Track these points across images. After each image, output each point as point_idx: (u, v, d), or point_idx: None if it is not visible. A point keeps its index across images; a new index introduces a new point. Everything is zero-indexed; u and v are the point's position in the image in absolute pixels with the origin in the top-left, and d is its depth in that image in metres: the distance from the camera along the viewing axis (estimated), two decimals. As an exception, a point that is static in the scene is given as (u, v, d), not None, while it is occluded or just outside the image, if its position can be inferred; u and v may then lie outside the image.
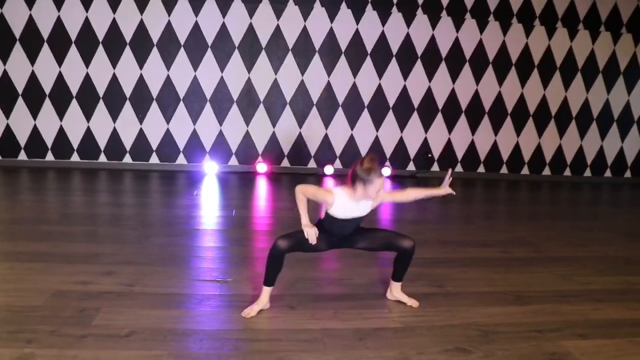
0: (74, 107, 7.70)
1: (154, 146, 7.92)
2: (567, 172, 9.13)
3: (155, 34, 7.63)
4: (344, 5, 7.92)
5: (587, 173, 9.22)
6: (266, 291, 3.16)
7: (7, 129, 7.69)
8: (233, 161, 8.09)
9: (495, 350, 2.85)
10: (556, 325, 3.21)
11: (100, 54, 7.60)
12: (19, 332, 2.74)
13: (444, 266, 4.19)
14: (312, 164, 8.24)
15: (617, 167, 9.33)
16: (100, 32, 7.55)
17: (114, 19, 7.53)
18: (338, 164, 8.28)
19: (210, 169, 7.91)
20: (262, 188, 7.13)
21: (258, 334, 2.87)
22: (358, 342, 2.83)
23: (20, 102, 7.63)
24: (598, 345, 3.02)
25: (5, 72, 7.53)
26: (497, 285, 3.85)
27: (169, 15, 7.60)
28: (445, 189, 3.29)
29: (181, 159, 7.98)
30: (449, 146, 8.58)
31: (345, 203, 3.12)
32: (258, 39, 7.80)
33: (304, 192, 3.22)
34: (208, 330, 2.87)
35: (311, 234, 3.13)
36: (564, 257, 4.64)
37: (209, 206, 5.96)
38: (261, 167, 8.02)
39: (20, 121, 7.70)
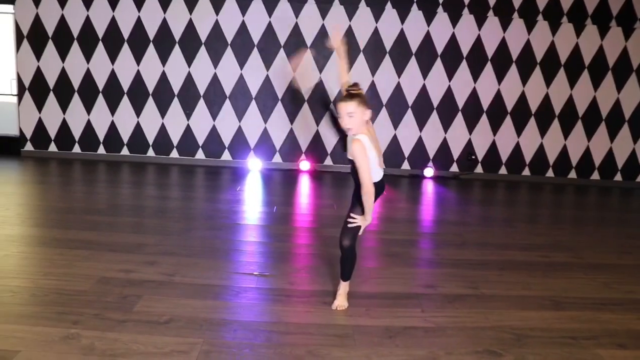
0: (125, 104, 7.96)
1: (200, 142, 8.11)
2: (618, 177, 8.89)
3: (203, 33, 7.81)
4: (413, 6, 7.93)
5: (618, 177, 8.94)
6: (345, 286, 3.31)
7: (64, 123, 8.02)
8: (277, 158, 8.20)
9: (527, 355, 2.84)
10: (593, 333, 3.17)
11: (151, 51, 7.83)
12: (66, 314, 2.90)
13: (481, 268, 4.18)
14: (355, 164, 8.27)
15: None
16: (151, 31, 7.78)
17: (164, 19, 7.75)
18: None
19: (254, 165, 8.04)
20: (304, 185, 7.21)
21: (290, 327, 2.94)
22: (388, 339, 2.87)
23: (76, 97, 7.94)
24: (638, 356, 2.97)
25: (63, 69, 7.86)
26: (533, 290, 3.82)
27: (217, 14, 7.76)
28: (365, 222, 3.10)
29: (226, 155, 8.14)
30: (493, 148, 8.48)
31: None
32: (303, 37, 7.89)
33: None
34: (243, 321, 2.96)
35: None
36: (606, 265, 4.55)
37: (251, 202, 6.07)
38: (304, 164, 8.11)
39: (75, 116, 8.01)
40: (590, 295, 3.81)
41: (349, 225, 3.14)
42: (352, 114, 2.92)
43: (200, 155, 8.16)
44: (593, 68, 8.46)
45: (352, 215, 3.13)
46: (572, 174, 8.77)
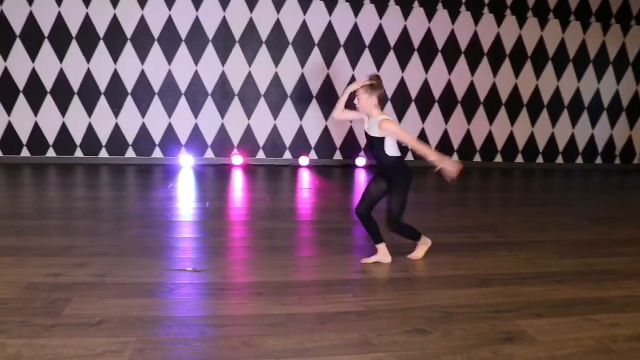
0: (49, 103, 7.70)
1: (130, 140, 7.95)
2: (540, 160, 9.30)
3: (129, 29, 7.64)
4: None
5: (559, 160, 9.41)
6: (381, 247, 4.01)
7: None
8: (209, 154, 8.14)
9: (453, 330, 2.97)
10: (515, 306, 3.35)
11: (74, 48, 7.59)
12: (-10, 324, 2.82)
13: (410, 251, 4.31)
14: (287, 155, 8.32)
15: (588, 154, 9.54)
16: (74, 27, 7.55)
17: (87, 14, 7.54)
18: (313, 154, 8.37)
19: (186, 162, 7.96)
20: (237, 180, 7.20)
21: (225, 319, 2.97)
22: (320, 325, 2.93)
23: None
24: (553, 323, 3.15)
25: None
26: (460, 269, 3.98)
27: (142, 9, 7.61)
28: (440, 159, 3.66)
29: (157, 153, 8.02)
30: (422, 135, 8.71)
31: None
32: (231, 32, 7.84)
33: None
34: (176, 317, 2.97)
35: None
36: (527, 242, 4.79)
37: (184, 198, 6.02)
38: (237, 159, 8.09)
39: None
40: (513, 271, 4.01)
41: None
42: (358, 97, 3.75)
43: (130, 153, 8.01)
44: (515, 57, 8.83)
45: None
46: (498, 158, 9.11)
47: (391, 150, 3.78)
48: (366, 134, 3.90)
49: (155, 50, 7.72)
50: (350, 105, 3.86)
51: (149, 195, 6.10)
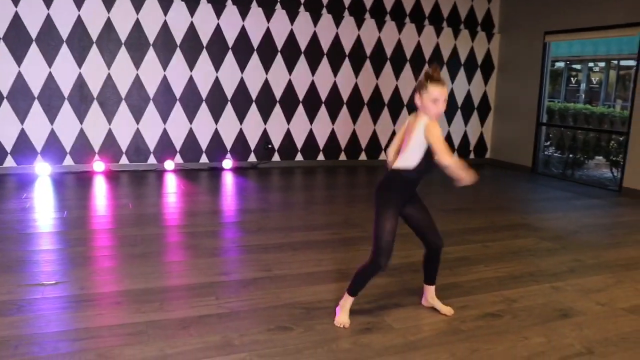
0: None
1: (-22, 149, 7.35)
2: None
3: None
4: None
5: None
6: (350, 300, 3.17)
7: None
8: (68, 161, 7.71)
9: (315, 325, 3.07)
10: (374, 297, 3.52)
11: None
12: None
13: (275, 251, 4.38)
14: (151, 160, 8.09)
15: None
16: None
17: None
18: (179, 158, 8.21)
19: (42, 170, 7.49)
20: (99, 187, 6.89)
21: (80, 333, 2.86)
22: (182, 330, 2.91)
23: None
24: (409, 310, 3.41)
25: None
26: (323, 265, 4.11)
27: (16, 5, 7.07)
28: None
29: (9, 162, 7.47)
30: (288, 136, 8.83)
31: None
32: (88, 33, 7.49)
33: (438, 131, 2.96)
34: (25, 335, 2.80)
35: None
36: (388, 235, 5.02)
37: (41, 209, 5.68)
38: (98, 165, 7.73)
39: None
40: (373, 264, 4.19)
41: (377, 240, 3.02)
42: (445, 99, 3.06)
43: (-22, 163, 7.40)
44: (375, 59, 9.20)
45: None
46: (362, 156, 9.45)
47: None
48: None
49: (2, 51, 7.19)
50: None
51: (0, 208, 5.69)
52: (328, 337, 2.95)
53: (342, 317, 3.14)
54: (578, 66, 15.57)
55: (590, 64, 15.34)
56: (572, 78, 15.88)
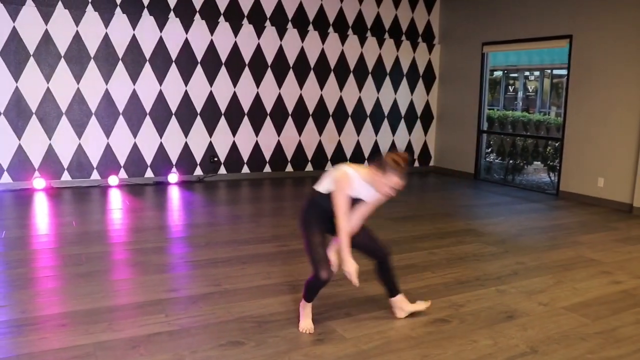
0: None
1: None
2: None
3: None
4: (119, 11, 7.71)
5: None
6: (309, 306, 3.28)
7: None
8: (5, 178, 7.44)
9: (267, 338, 3.08)
10: (325, 308, 3.55)
11: None
12: None
13: (224, 265, 4.35)
14: (95, 176, 7.91)
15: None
16: None
17: None
18: (123, 173, 8.05)
19: (-22, 188, 7.21)
20: (40, 204, 6.69)
21: (24, 358, 2.76)
22: (131, 350, 2.86)
23: None
24: (360, 320, 3.45)
25: None
26: (273, 278, 4.11)
27: None
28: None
29: (-58, 180, 7.18)
30: (234, 149, 8.80)
31: (359, 184, 3.09)
32: (24, 45, 7.27)
33: (344, 195, 3.06)
34: (-35, 362, 2.70)
35: (354, 274, 3.12)
36: (336, 245, 5.06)
37: (-24, 230, 5.47)
38: (38, 182, 7.50)
39: None
40: (323, 275, 4.22)
41: (313, 254, 3.18)
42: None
43: None
44: (319, 70, 9.28)
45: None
46: (309, 167, 9.50)
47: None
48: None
49: None
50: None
51: None
52: (280, 350, 2.95)
53: (304, 322, 3.24)
54: (515, 74, 16.15)
55: (526, 73, 15.93)
56: (509, 87, 16.45)
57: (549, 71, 15.16)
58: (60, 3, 7.43)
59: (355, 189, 3.09)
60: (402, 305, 3.45)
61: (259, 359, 2.85)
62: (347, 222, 3.08)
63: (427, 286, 4.09)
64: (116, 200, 7.07)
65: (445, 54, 10.41)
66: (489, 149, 10.71)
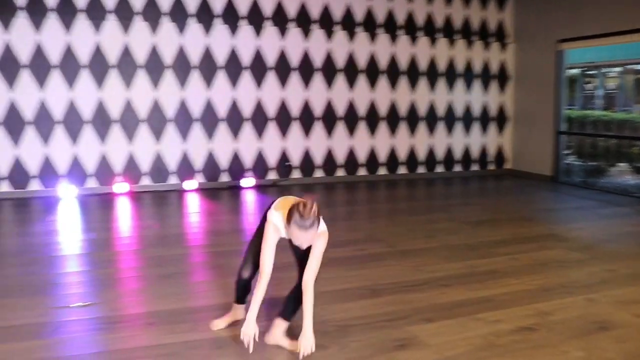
0: None
1: (4, 173, 7.44)
2: (422, 170, 9.74)
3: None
4: (194, 20, 7.94)
5: (439, 169, 9.89)
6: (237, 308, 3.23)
7: None
8: (91, 183, 7.79)
9: (350, 343, 3.06)
10: (405, 313, 3.50)
11: None
12: None
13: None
14: (173, 180, 8.15)
15: (465, 162, 10.12)
16: None
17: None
18: (199, 178, 8.26)
19: (66, 192, 7.56)
20: (122, 208, 6.95)
21: (115, 354, 2.87)
22: (217, 350, 2.91)
23: None
24: (442, 325, 3.34)
25: None
26: (352, 282, 4.09)
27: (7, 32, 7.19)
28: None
29: (34, 185, 7.57)
30: (307, 153, 8.86)
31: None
32: (105, 57, 7.59)
33: (269, 259, 2.92)
34: (62, 357, 2.82)
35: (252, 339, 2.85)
36: (413, 250, 5.01)
37: (66, 231, 5.73)
38: (120, 187, 7.80)
39: None
40: (402, 279, 4.18)
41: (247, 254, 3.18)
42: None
43: (4, 187, 7.49)
44: (391, 74, 9.23)
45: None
46: (383, 171, 9.44)
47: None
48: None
49: (26, 77, 7.29)
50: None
51: (27, 231, 5.75)
52: (363, 354, 2.94)
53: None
54: (593, 72, 15.48)
55: (605, 70, 15.24)
56: (587, 84, 15.78)
57: (632, 67, 14.45)
58: (139, 16, 7.72)
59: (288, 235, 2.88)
60: (282, 331, 3.02)
61: (343, 363, 2.84)
62: (265, 276, 2.89)
63: (510, 293, 3.97)
64: (193, 204, 7.24)
65: (520, 53, 10.11)
66: (568, 151, 10.31)
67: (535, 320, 3.45)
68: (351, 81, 9.02)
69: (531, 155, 9.94)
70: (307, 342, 2.83)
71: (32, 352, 2.87)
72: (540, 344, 3.11)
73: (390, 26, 9.17)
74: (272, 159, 8.68)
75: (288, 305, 3.06)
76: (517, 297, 3.87)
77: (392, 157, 9.50)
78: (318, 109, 8.84)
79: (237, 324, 3.23)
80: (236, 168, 8.48)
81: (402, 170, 9.56)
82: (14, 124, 7.36)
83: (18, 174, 7.49)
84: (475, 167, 10.24)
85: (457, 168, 10.10)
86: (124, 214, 6.65)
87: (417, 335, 3.18)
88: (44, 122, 7.47)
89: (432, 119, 9.70)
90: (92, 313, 3.44)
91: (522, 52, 10.04)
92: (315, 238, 2.87)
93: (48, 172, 7.59)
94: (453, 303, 3.71)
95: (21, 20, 7.23)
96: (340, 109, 8.99)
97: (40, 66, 7.37)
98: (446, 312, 3.54)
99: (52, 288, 3.93)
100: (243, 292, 3.21)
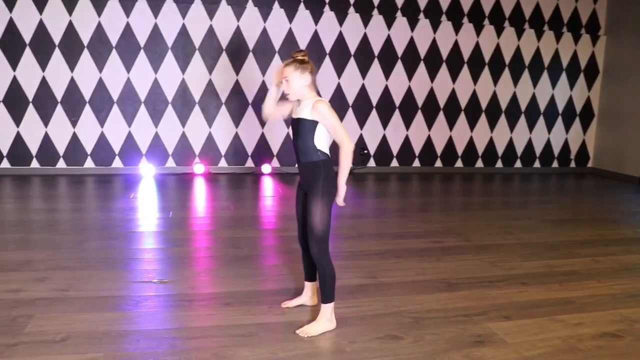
0: (2, 113, 7.45)
1: (88, 150, 7.77)
2: (499, 164, 9.49)
3: (85, 36, 7.48)
4: (276, 5, 7.99)
5: (518, 164, 9.61)
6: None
7: None
8: (170, 163, 8.02)
9: (425, 335, 3.00)
10: (483, 309, 3.40)
11: (28, 56, 7.39)
12: (-54, 345, 2.70)
13: (378, 258, 4.33)
14: (249, 164, 8.27)
15: (545, 158, 9.78)
16: (27, 35, 7.35)
17: (40, 20, 7.35)
18: (275, 162, 8.34)
19: (147, 171, 7.83)
20: (199, 189, 7.11)
21: (194, 331, 2.92)
22: (292, 334, 2.92)
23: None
24: (521, 324, 3.22)
25: None
26: (428, 274, 4.01)
27: (99, 16, 7.46)
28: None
29: (117, 162, 7.86)
30: (383, 142, 8.78)
31: None
32: (191, 40, 7.76)
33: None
34: (144, 330, 2.90)
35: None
36: (491, 245, 4.87)
37: (146, 209, 5.92)
38: (198, 168, 7.99)
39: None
40: (479, 274, 4.07)
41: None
42: (287, 79, 2.88)
43: (89, 164, 7.82)
44: (473, 64, 9.00)
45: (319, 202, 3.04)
46: (459, 163, 9.25)
47: (321, 143, 2.97)
48: (292, 121, 3.00)
49: (114, 58, 7.57)
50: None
51: (110, 206, 5.97)
52: (439, 348, 2.87)
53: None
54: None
55: None
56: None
57: None
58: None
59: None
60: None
61: (418, 355, 2.78)
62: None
63: (593, 296, 3.79)
64: (268, 187, 7.32)
65: (612, 46, 9.62)
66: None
67: (621, 327, 3.28)
68: (432, 71, 8.86)
69: (618, 155, 9.47)
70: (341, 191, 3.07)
71: (114, 324, 2.97)
72: (626, 352, 2.95)
73: (477, 16, 8.93)
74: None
75: (312, 266, 3.17)
76: (599, 301, 3.69)
77: (470, 150, 9.29)
78: (397, 98, 8.75)
79: (308, 309, 3.25)
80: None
81: (479, 164, 9.34)
82: (102, 102, 7.66)
83: (101, 152, 7.80)
84: (555, 164, 9.88)
85: (536, 164, 9.77)
86: (201, 195, 6.79)
87: (495, 333, 3.09)
88: (129, 101, 7.74)
89: (513, 112, 9.41)
90: (169, 290, 3.52)
91: (615, 45, 9.55)
92: (313, 109, 2.87)
93: (130, 151, 7.86)
94: (532, 302, 3.58)
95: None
96: (420, 99, 8.86)
97: (133, 47, 7.63)
98: (525, 311, 3.42)
99: (135, 263, 4.06)
100: (307, 268, 3.24)
